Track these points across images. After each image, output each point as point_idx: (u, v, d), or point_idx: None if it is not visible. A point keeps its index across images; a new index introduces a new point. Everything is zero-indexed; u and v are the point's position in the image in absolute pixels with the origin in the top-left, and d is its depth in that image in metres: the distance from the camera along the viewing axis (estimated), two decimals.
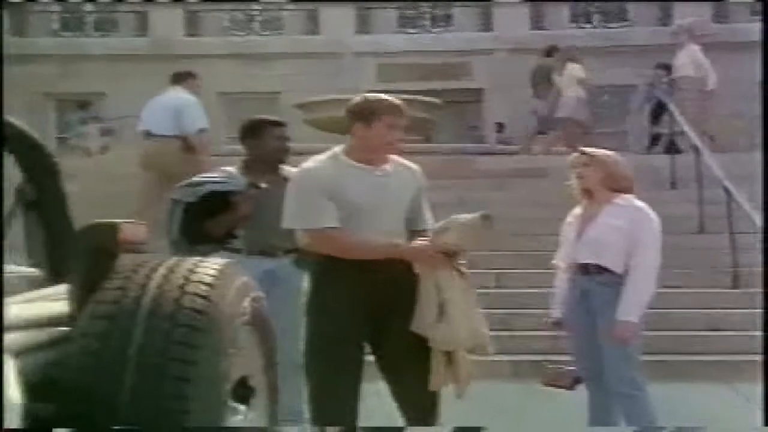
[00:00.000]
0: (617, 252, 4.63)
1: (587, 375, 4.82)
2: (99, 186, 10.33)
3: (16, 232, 2.80)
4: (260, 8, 23.70)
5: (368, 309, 3.93)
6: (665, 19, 22.23)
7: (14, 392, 1.60)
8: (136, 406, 1.78)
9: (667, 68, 13.70)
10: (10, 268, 2.55)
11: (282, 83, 20.91)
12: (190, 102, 8.79)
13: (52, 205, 2.70)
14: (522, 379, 7.03)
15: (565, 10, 22.96)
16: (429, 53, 22.14)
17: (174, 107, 8.70)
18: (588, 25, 22.61)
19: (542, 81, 13.73)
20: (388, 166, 4.06)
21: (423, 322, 3.86)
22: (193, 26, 23.23)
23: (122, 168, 11.16)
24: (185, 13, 23.03)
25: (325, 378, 3.94)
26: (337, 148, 4.05)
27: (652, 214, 4.72)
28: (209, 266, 2.07)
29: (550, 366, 5.08)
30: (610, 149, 5.11)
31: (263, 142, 5.14)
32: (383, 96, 4.09)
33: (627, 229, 4.63)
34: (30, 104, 18.70)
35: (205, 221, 4.94)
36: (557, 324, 4.99)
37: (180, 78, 9.08)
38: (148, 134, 8.92)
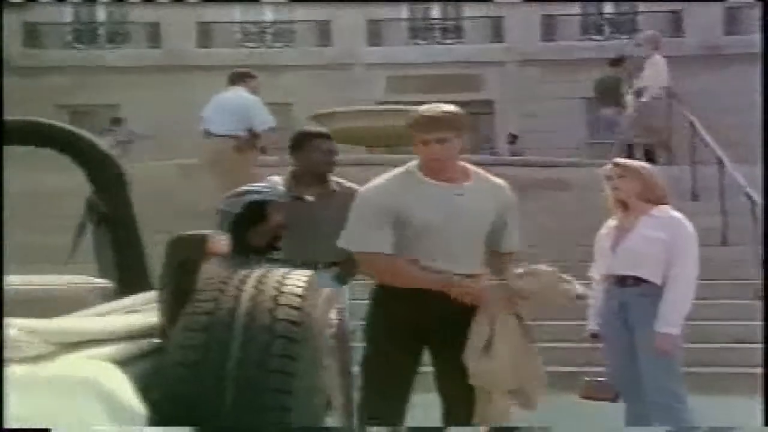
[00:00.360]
0: (656, 263, 4.61)
1: (625, 388, 4.79)
2: None
3: (87, 243, 2.82)
4: (272, 20, 23.81)
5: (426, 330, 3.76)
6: (676, 31, 22.29)
7: (132, 398, 1.60)
8: (237, 418, 1.77)
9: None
10: (81, 279, 2.56)
11: (294, 94, 20.97)
12: (256, 101, 8.77)
13: (122, 217, 2.70)
14: (548, 390, 7.01)
15: (576, 22, 23.04)
16: (440, 65, 22.22)
17: (239, 106, 8.66)
18: (599, 37, 22.68)
19: (610, 91, 13.74)
20: (468, 183, 3.77)
21: (469, 353, 3.67)
22: (205, 38, 23.33)
23: (138, 181, 11.18)
24: (197, 24, 23.14)
25: (378, 391, 3.82)
26: (412, 163, 3.83)
27: (689, 225, 4.71)
28: (298, 277, 2.06)
29: (587, 378, 5.05)
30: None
31: (307, 154, 5.06)
32: (422, 110, 3.81)
33: (665, 240, 4.61)
34: (43, 116, 18.73)
35: (248, 232, 4.94)
36: (595, 336, 4.96)
37: (239, 78, 8.97)
38: (209, 134, 8.87)
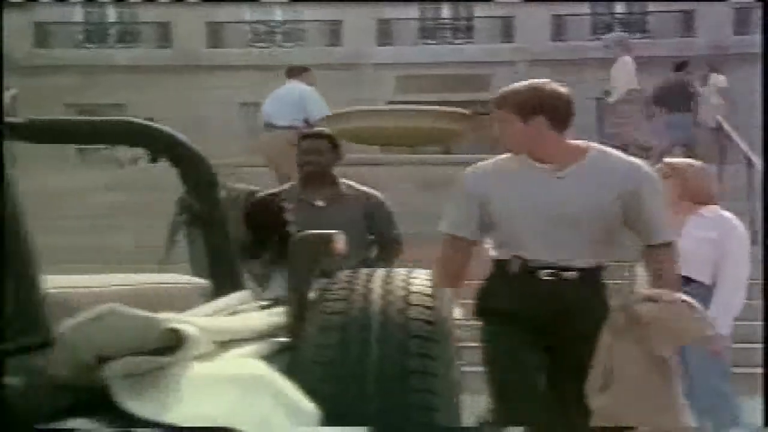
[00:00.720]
0: (706, 263, 4.55)
1: None
2: (138, 197, 10.43)
3: (181, 243, 2.81)
4: (282, 20, 23.84)
5: (542, 329, 3.38)
6: (686, 31, 22.25)
7: (302, 397, 1.58)
8: (382, 417, 1.75)
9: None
10: (185, 279, 2.55)
11: None
12: (312, 92, 9.31)
13: (214, 216, 2.69)
14: None
15: (586, 22, 23.03)
16: (449, 65, 22.21)
17: (296, 98, 9.17)
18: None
19: (678, 95, 13.73)
20: (575, 164, 3.36)
21: (590, 386, 3.15)
22: (215, 38, 23.37)
23: (156, 178, 11.21)
24: (208, 24, 23.19)
25: (505, 391, 3.43)
26: None
27: (740, 225, 4.68)
28: (422, 276, 2.04)
29: None
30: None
31: (297, 156, 4.92)
32: (512, 85, 3.53)
33: (715, 240, 4.56)
34: (52, 115, 18.81)
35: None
36: None
37: (295, 72, 9.55)
38: (270, 126, 9.27)
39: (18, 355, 1.11)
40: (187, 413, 1.19)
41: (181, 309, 2.00)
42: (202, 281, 2.51)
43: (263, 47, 23.14)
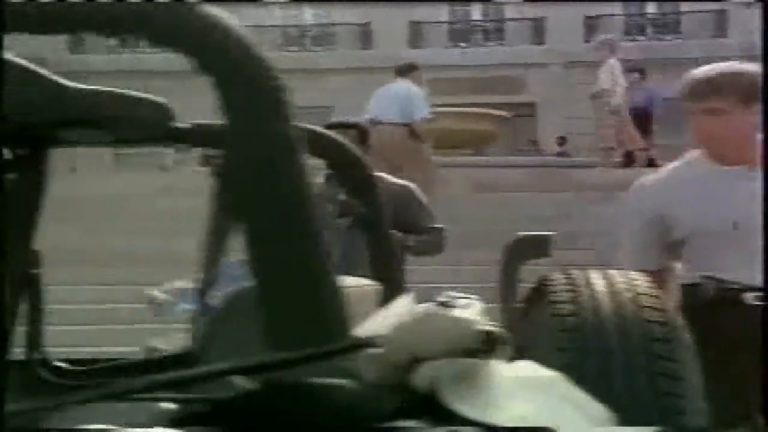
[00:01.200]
0: None
1: None
2: (187, 201, 10.49)
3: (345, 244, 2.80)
4: (313, 23, 23.91)
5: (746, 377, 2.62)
6: (719, 32, 22.08)
7: (587, 397, 1.55)
8: (632, 423, 1.73)
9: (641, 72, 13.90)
10: (362, 282, 2.56)
11: (334, 98, 21.05)
12: (417, 92, 9.55)
13: (376, 218, 2.69)
14: None
15: (618, 23, 22.92)
16: (481, 67, 22.17)
17: (402, 96, 9.41)
18: (642, 38, 22.55)
19: None
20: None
21: None
22: None
23: (201, 183, 11.24)
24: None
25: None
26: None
27: None
28: (639, 277, 1.96)
29: None
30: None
31: None
32: (694, 72, 2.97)
33: None
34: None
35: None
36: None
37: (404, 70, 9.81)
38: (375, 122, 9.35)
39: (339, 356, 1.13)
40: (504, 414, 1.18)
41: (367, 312, 1.99)
42: (377, 284, 2.50)
43: (294, 51, 23.22)
